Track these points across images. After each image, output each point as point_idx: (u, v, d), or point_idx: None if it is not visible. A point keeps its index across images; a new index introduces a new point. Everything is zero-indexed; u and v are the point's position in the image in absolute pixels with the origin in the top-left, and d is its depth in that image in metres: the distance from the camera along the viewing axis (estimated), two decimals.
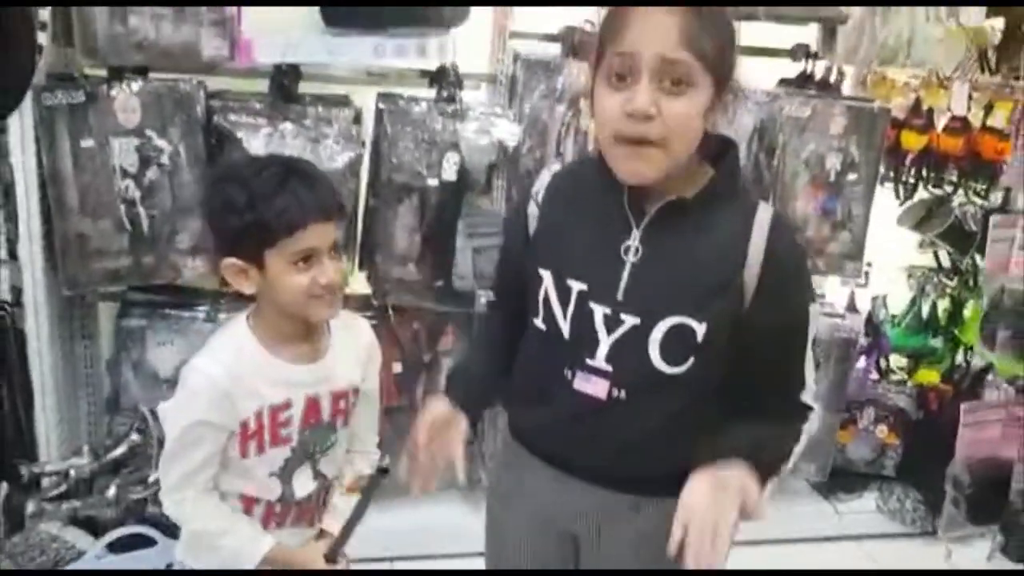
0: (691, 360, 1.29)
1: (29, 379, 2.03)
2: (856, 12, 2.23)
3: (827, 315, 2.51)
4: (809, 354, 1.34)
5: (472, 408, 1.45)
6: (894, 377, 2.80)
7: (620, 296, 1.30)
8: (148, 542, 1.94)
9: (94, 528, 1.95)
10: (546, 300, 1.36)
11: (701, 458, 1.25)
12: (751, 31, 2.36)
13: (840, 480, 2.67)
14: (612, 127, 1.23)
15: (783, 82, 2.42)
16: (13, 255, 1.98)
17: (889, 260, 2.77)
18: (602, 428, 1.34)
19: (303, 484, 1.49)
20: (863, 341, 2.63)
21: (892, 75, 2.56)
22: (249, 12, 2.08)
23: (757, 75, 2.38)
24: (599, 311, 1.31)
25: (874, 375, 2.75)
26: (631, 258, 1.31)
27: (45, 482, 1.94)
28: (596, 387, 1.33)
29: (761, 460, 1.27)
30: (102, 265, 2.07)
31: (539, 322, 1.37)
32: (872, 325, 2.69)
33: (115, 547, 1.93)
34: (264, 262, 1.36)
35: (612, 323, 1.31)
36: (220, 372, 1.38)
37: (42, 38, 1.82)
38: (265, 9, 2.10)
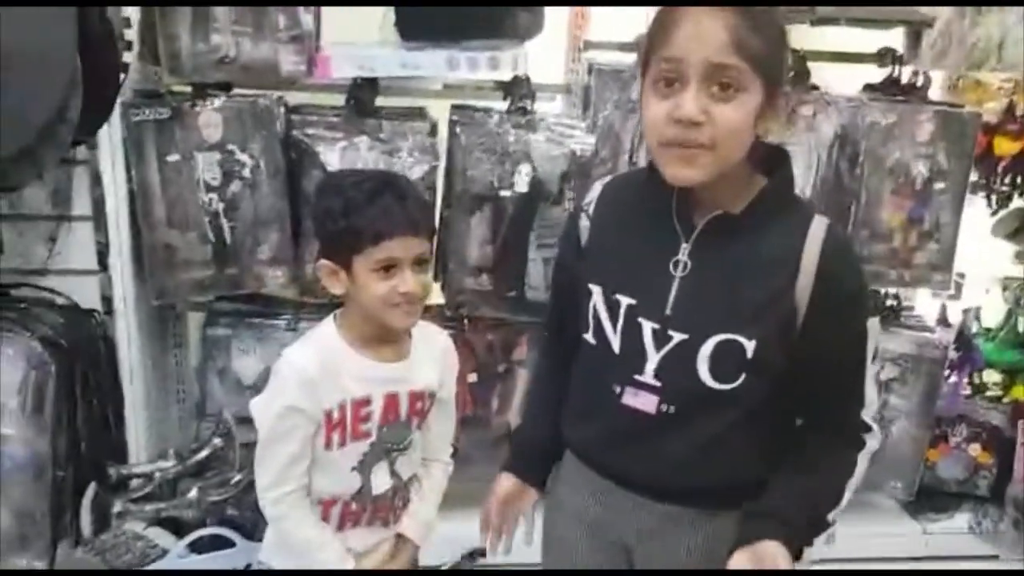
0: (742, 377, 1.27)
1: (119, 385, 2.11)
2: (943, 15, 2.15)
3: (916, 328, 2.42)
4: (869, 370, 1.31)
5: (539, 478, 1.52)
6: (988, 393, 2.66)
7: (668, 311, 1.28)
8: (227, 543, 2.01)
9: (177, 528, 2.02)
10: (595, 314, 1.35)
11: (746, 531, 1.28)
12: (834, 36, 2.33)
13: (930, 499, 2.56)
14: (660, 133, 1.21)
15: (868, 88, 2.35)
16: (104, 266, 2.05)
17: (983, 272, 2.67)
18: (651, 443, 1.33)
19: (381, 480, 1.55)
20: (954, 355, 2.52)
21: (985, 78, 2.47)
22: (327, 27, 2.14)
23: (840, 81, 2.37)
24: (647, 326, 1.30)
25: (966, 391, 2.63)
26: (680, 272, 1.28)
27: (132, 483, 2.02)
28: (645, 402, 1.31)
29: (796, 525, 1.28)
30: (188, 276, 2.15)
31: (589, 336, 1.37)
32: (964, 339, 2.58)
33: (196, 547, 2.00)
34: (352, 267, 1.45)
35: (660, 338, 1.29)
36: (308, 362, 1.46)
37: (127, 57, 1.89)
38: (342, 23, 2.16)
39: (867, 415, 1.32)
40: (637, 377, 1.31)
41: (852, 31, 2.27)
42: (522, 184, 2.14)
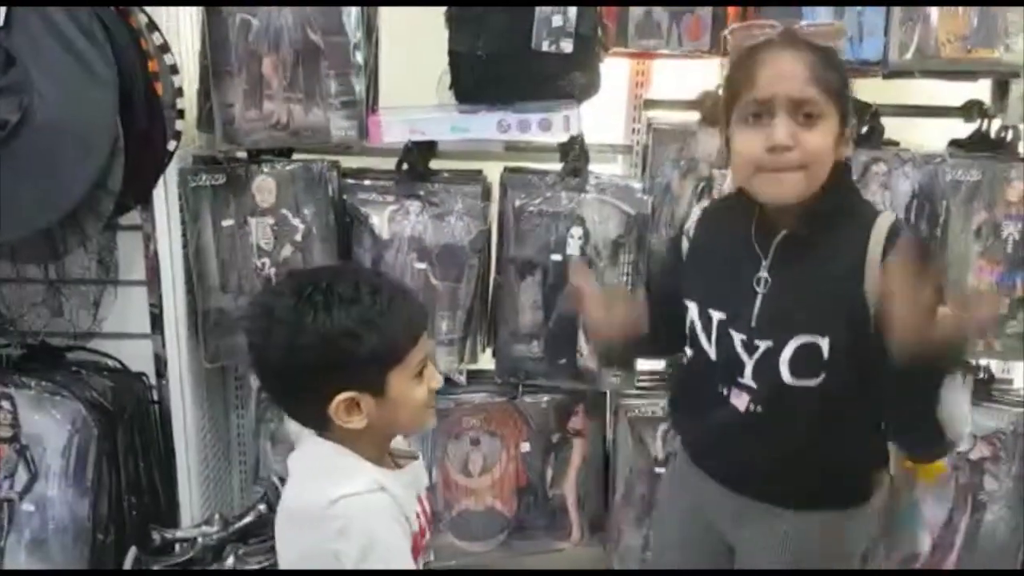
0: (822, 374, 1.40)
1: (170, 448, 2.12)
2: None
3: (1012, 403, 2.22)
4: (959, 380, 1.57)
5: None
6: None
7: (753, 323, 1.45)
8: None
9: None
10: (692, 328, 1.53)
11: None
12: (922, 90, 2.19)
13: None
14: (754, 162, 1.37)
15: (953, 143, 2.19)
16: (158, 329, 2.08)
17: None
18: (744, 440, 1.50)
19: None
20: None
21: None
22: (384, 91, 2.14)
23: (926, 137, 2.22)
24: (737, 337, 1.46)
25: None
26: (762, 289, 1.45)
27: (176, 548, 2.01)
28: (741, 401, 1.48)
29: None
30: (241, 339, 2.12)
31: (689, 348, 1.55)
32: None
33: None
34: (387, 384, 1.28)
35: (749, 347, 1.45)
36: (379, 490, 1.29)
37: (180, 125, 1.93)
38: (399, 88, 2.16)
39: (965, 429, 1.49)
40: (739, 380, 1.47)
41: (943, 85, 2.13)
42: (574, 247, 2.07)
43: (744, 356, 1.45)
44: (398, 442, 1.49)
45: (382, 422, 1.31)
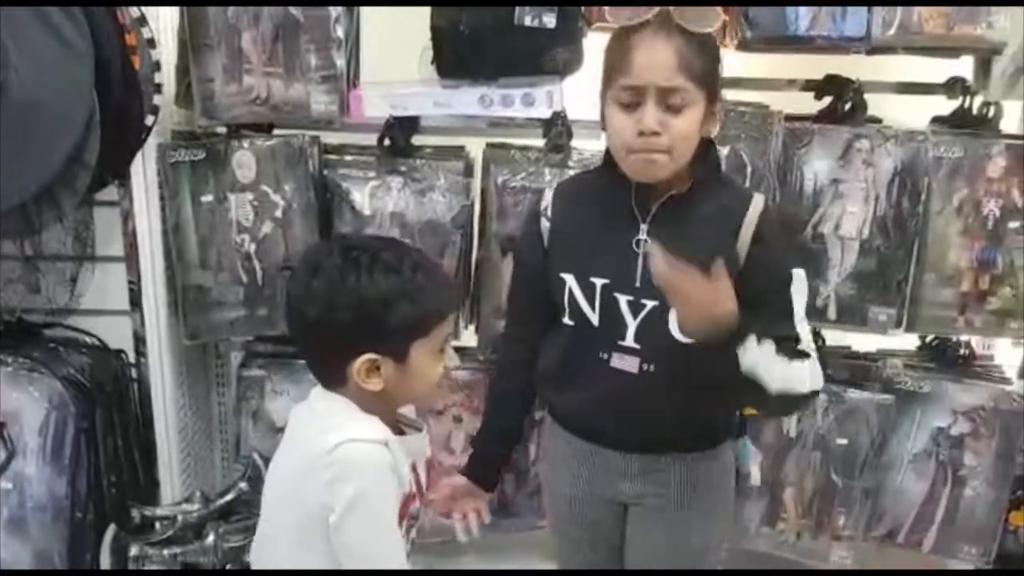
0: None
1: (149, 426, 2.11)
2: (1012, 42, 1.99)
3: (992, 379, 2.23)
4: (800, 313, 1.54)
5: (492, 484, 1.84)
6: None
7: (638, 283, 1.53)
8: None
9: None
10: (571, 298, 1.58)
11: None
12: (904, 67, 2.18)
13: (1012, 566, 2.34)
14: (625, 143, 1.49)
15: (936, 120, 2.19)
16: (136, 306, 2.06)
17: None
18: (636, 400, 1.57)
19: None
20: None
21: None
22: (366, 67, 2.12)
23: (909, 114, 2.22)
24: (623, 299, 1.55)
25: None
26: (642, 249, 1.53)
27: (157, 526, 2.00)
28: (628, 363, 1.56)
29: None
30: (221, 316, 2.14)
31: (567, 319, 1.60)
32: None
33: None
34: (409, 353, 1.35)
35: (635, 308, 1.54)
36: (384, 443, 1.32)
37: (158, 99, 1.90)
38: (381, 63, 2.14)
39: (804, 347, 1.53)
40: (620, 343, 1.56)
41: (926, 61, 2.12)
42: None
43: (628, 318, 1.54)
44: (408, 412, 1.53)
45: (396, 389, 1.37)
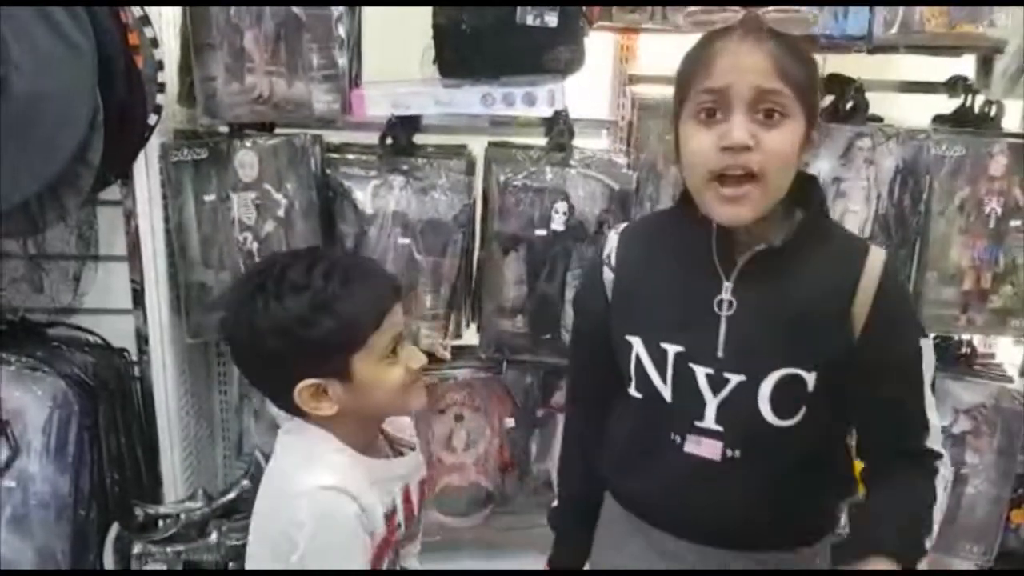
0: (803, 411, 1.25)
1: (153, 424, 2.11)
2: (1014, 41, 1.99)
3: (993, 377, 2.23)
4: (929, 395, 1.29)
5: (581, 563, 1.55)
6: None
7: (720, 354, 1.26)
8: None
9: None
10: (639, 367, 1.32)
11: (847, 555, 1.24)
12: (906, 65, 2.19)
13: (1013, 564, 2.35)
14: (706, 165, 1.19)
15: (937, 119, 2.20)
16: (139, 304, 2.06)
17: None
18: (719, 489, 1.30)
19: None
20: None
21: None
22: (368, 66, 2.12)
23: (912, 113, 2.22)
24: (701, 372, 1.27)
25: None
26: (725, 312, 1.26)
27: (160, 524, 2.00)
28: (709, 449, 1.29)
29: (907, 553, 1.24)
30: (222, 314, 2.14)
31: (633, 390, 1.34)
32: None
33: None
34: (351, 369, 1.25)
35: (717, 383, 1.27)
36: (348, 488, 1.26)
37: (161, 99, 1.91)
38: (383, 62, 2.14)
39: (935, 443, 1.31)
40: (698, 424, 1.29)
41: (927, 60, 2.12)
42: (558, 222, 2.06)
43: (707, 395, 1.27)
44: (404, 428, 1.49)
45: (355, 407, 1.28)
